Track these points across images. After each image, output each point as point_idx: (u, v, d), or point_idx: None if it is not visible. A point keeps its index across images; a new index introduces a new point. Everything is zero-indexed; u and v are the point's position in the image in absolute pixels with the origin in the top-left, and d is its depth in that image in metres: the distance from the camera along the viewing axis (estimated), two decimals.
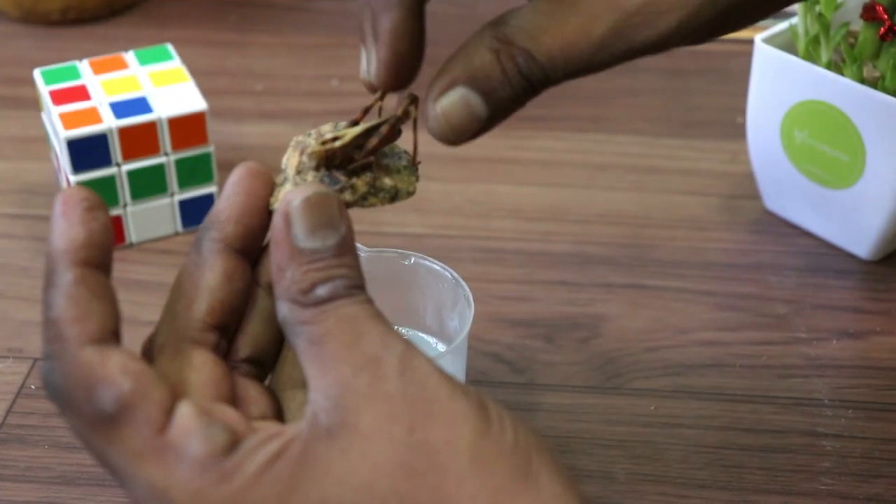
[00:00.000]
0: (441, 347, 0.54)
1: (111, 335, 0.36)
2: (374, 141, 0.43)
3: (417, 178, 0.44)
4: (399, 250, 0.55)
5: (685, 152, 0.75)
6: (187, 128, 0.65)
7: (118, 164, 0.65)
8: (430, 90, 0.40)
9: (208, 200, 0.68)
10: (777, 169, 0.67)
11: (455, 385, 0.36)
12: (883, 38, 0.61)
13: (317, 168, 0.42)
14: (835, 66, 0.63)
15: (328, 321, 0.36)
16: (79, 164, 0.64)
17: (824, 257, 0.66)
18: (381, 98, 0.43)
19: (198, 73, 0.75)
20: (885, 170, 0.62)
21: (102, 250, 0.36)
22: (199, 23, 0.89)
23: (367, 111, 0.43)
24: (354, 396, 0.35)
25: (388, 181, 0.43)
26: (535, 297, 0.64)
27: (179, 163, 0.66)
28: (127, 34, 0.87)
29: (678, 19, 0.38)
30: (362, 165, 0.43)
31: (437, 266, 0.54)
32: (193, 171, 0.66)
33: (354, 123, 0.43)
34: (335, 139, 0.42)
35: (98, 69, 0.68)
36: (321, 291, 0.36)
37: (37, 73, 0.68)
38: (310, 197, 0.37)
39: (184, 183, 0.67)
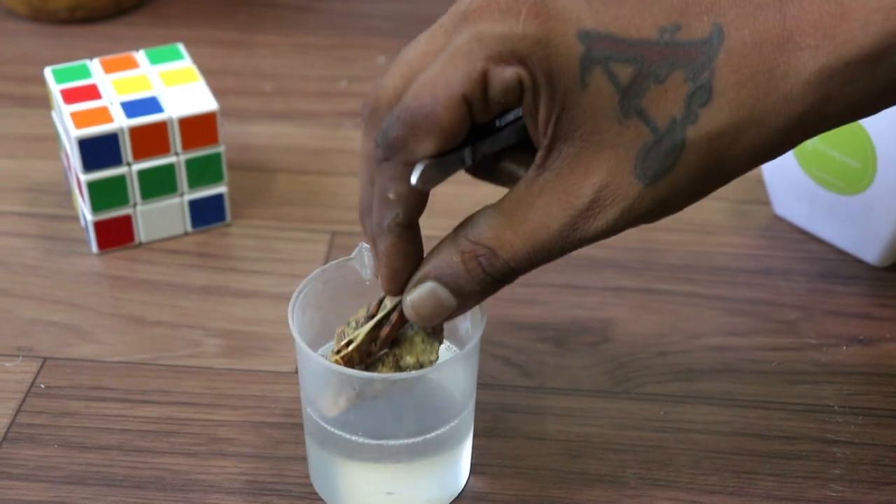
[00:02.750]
0: (453, 351, 0.54)
1: None
2: (385, 331, 0.47)
3: (441, 342, 0.48)
4: None
5: None
6: (198, 128, 0.65)
7: (129, 164, 0.65)
8: (409, 282, 0.45)
9: (218, 200, 0.68)
10: (787, 174, 0.67)
11: None
12: None
13: None
14: None
15: None
16: (89, 163, 0.64)
17: (834, 263, 0.66)
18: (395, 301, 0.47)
19: (205, 73, 0.75)
20: None
21: None
22: (207, 22, 0.89)
23: (381, 303, 0.47)
24: None
25: (409, 359, 0.47)
26: (543, 300, 0.64)
27: (190, 163, 0.66)
28: (135, 33, 0.87)
29: (621, 209, 0.42)
30: (382, 355, 0.48)
31: None
32: (204, 171, 0.66)
33: (375, 311, 0.48)
34: (349, 343, 0.47)
35: (109, 68, 0.68)
36: None
37: (48, 72, 0.68)
38: None
39: (194, 183, 0.67)
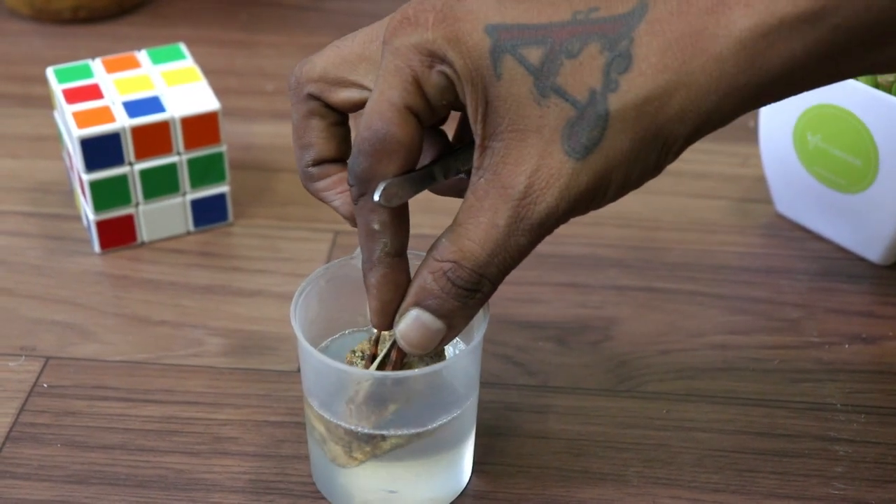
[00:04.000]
0: (455, 349, 0.54)
1: None
2: (388, 370, 0.48)
3: (443, 359, 0.49)
4: (415, 251, 0.55)
5: (696, 155, 0.74)
6: (200, 127, 0.65)
7: (131, 164, 0.65)
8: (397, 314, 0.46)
9: (220, 200, 0.68)
10: (789, 173, 0.67)
11: None
12: None
13: None
14: None
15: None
16: (92, 162, 0.64)
17: (836, 262, 0.66)
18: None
19: (207, 73, 0.75)
20: None
21: None
22: (209, 22, 0.89)
23: (377, 342, 0.49)
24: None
25: (416, 387, 0.48)
26: (546, 299, 0.64)
27: (192, 162, 0.66)
28: (137, 33, 0.87)
29: (559, 189, 0.42)
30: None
31: None
32: (206, 170, 0.66)
33: (375, 350, 0.49)
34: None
35: (111, 68, 0.68)
36: None
37: (50, 72, 0.68)
38: None
39: (196, 182, 0.67)
